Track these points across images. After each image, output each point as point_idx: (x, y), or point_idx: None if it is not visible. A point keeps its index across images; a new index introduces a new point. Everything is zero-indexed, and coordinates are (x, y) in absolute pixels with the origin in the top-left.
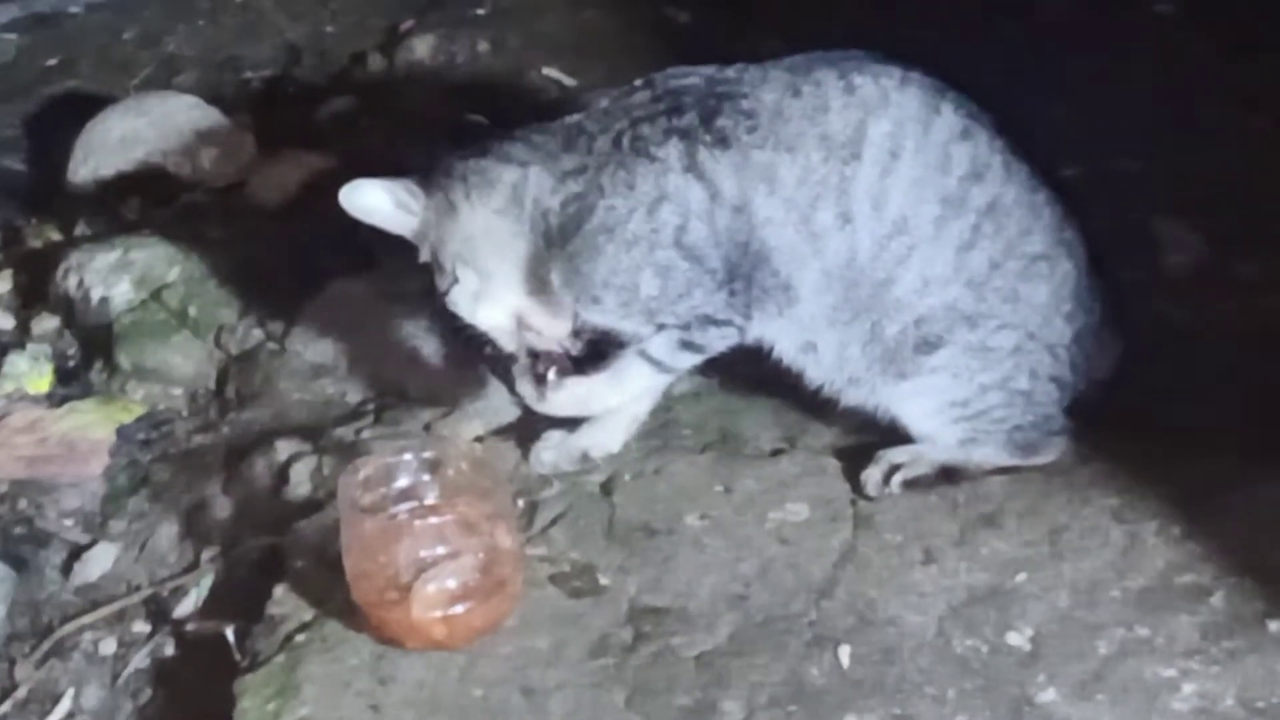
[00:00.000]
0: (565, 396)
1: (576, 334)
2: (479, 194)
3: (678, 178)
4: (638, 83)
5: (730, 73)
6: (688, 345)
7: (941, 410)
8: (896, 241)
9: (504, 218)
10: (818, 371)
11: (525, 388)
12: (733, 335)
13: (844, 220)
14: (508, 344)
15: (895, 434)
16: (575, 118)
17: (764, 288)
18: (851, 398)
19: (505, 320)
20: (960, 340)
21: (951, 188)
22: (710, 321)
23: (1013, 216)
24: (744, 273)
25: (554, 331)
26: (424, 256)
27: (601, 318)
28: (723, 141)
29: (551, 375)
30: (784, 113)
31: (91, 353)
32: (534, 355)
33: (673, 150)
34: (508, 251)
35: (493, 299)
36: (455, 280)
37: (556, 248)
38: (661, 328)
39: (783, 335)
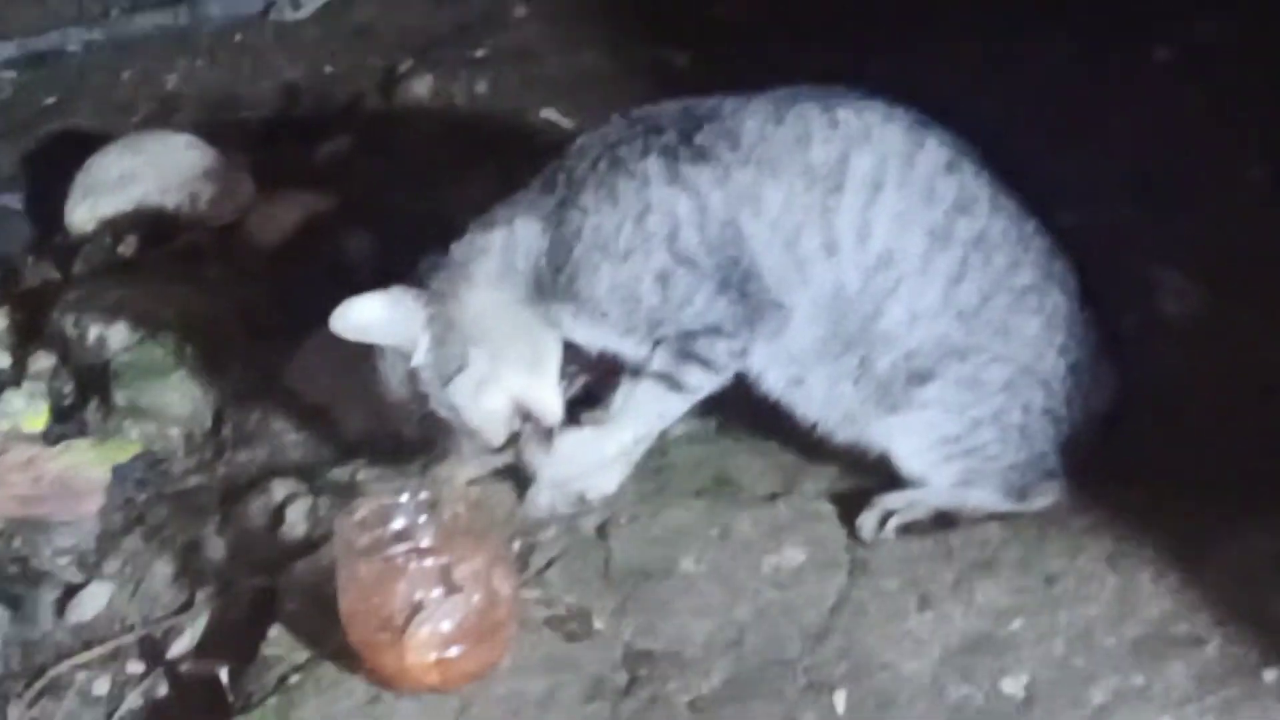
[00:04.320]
0: (570, 447)
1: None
2: (476, 267)
3: (660, 189)
4: (613, 117)
5: (709, 101)
6: (691, 356)
7: (933, 447)
8: (883, 274)
9: (504, 283)
10: (809, 408)
11: (533, 455)
12: (739, 349)
13: (829, 250)
14: (496, 435)
15: (891, 478)
16: (553, 162)
17: (758, 302)
18: (844, 435)
19: (504, 406)
20: (951, 373)
21: (938, 220)
22: (716, 333)
23: (1001, 249)
24: (736, 283)
25: (552, 411)
26: (418, 358)
27: (605, 338)
28: (702, 156)
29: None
30: (767, 138)
31: (87, 391)
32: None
33: (652, 165)
34: (516, 321)
35: (496, 382)
36: (460, 367)
37: (559, 286)
38: (659, 344)
39: (772, 366)
